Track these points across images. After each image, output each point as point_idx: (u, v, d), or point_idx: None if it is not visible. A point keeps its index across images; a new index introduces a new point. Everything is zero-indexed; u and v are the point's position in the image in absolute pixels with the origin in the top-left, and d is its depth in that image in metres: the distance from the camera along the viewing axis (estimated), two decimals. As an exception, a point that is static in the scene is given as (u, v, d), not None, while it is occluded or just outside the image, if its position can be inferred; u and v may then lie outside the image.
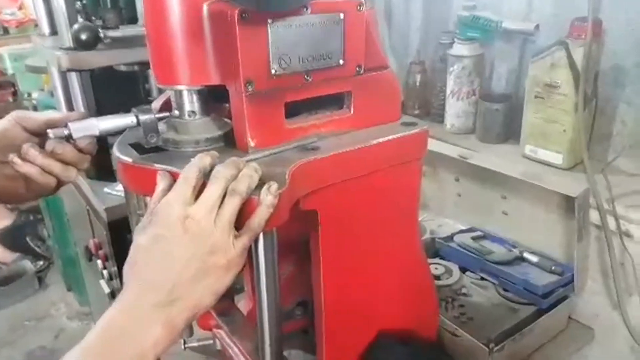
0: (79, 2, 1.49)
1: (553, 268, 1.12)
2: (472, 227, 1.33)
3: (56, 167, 0.67)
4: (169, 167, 0.59)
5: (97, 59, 1.31)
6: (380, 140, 0.70)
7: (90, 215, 1.51)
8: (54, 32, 1.49)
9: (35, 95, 2.60)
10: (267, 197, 0.54)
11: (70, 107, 1.61)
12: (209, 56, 0.62)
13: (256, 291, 0.61)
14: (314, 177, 0.64)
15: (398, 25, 1.64)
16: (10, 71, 2.83)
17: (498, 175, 1.22)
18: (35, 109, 2.67)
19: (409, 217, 0.81)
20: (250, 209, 0.55)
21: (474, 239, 1.27)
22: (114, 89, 1.57)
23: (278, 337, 0.63)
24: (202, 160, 0.55)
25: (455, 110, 1.41)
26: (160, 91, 1.55)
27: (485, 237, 1.29)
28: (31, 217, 3.10)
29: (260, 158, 0.63)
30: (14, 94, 3.35)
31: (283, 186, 0.56)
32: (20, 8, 3.60)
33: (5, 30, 3.88)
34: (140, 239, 0.53)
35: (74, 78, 1.44)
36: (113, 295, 1.49)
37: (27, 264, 2.94)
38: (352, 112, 0.72)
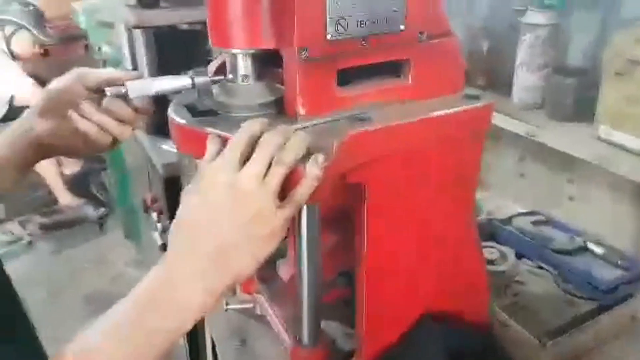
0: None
1: (619, 262, 1.05)
2: (533, 211, 1.26)
3: (111, 124, 0.69)
4: (219, 132, 0.60)
5: (161, 17, 1.33)
6: (439, 113, 0.67)
7: (149, 169, 1.57)
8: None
9: (104, 49, 2.70)
10: (313, 170, 0.53)
11: (134, 63, 1.67)
12: (265, 19, 0.61)
13: (296, 264, 0.61)
14: (363, 149, 0.62)
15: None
16: (83, 25, 2.95)
17: (566, 157, 1.14)
18: (104, 63, 2.79)
19: (465, 196, 0.78)
20: (296, 179, 0.54)
21: (534, 223, 1.20)
22: (176, 48, 1.59)
23: (316, 309, 0.64)
24: (252, 126, 0.55)
25: (525, 83, 1.32)
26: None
27: (546, 222, 1.22)
28: (97, 165, 3.30)
29: (309, 127, 0.62)
30: (86, 47, 3.51)
31: (330, 159, 0.55)
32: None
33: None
34: (186, 202, 0.54)
35: (138, 35, 1.48)
36: (165, 247, 1.54)
37: (90, 210, 3.15)
38: (410, 81, 0.69)
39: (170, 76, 0.66)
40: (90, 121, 0.69)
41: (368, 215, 0.68)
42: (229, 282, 0.53)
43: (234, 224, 0.52)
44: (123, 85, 0.64)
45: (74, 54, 3.77)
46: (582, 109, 1.21)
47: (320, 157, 0.53)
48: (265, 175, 0.52)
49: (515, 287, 1.09)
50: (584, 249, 1.12)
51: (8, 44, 2.98)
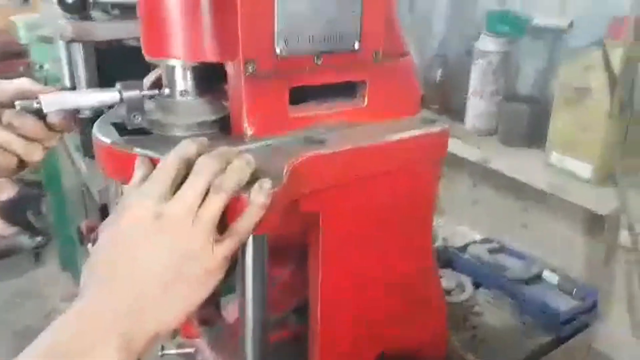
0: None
1: (575, 291, 1.03)
2: (488, 238, 1.25)
3: (16, 143, 0.58)
4: (150, 153, 0.52)
5: (103, 30, 1.24)
6: (396, 137, 0.63)
7: (85, 195, 1.45)
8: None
9: (46, 66, 2.55)
10: (258, 197, 0.46)
11: (73, 81, 1.55)
12: (207, 28, 0.55)
13: (239, 304, 0.54)
14: (317, 174, 0.57)
15: (420, 13, 1.55)
16: (23, 41, 2.77)
17: (520, 184, 1.13)
18: (45, 81, 2.63)
19: (422, 224, 0.74)
20: (238, 209, 0.47)
21: (490, 251, 1.19)
22: (122, 65, 1.50)
23: (263, 356, 0.56)
24: (187, 147, 0.48)
25: (478, 109, 1.32)
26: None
27: (502, 249, 1.20)
28: (34, 191, 3.07)
29: (256, 148, 0.55)
30: (28, 64, 3.31)
31: (279, 184, 0.49)
32: (40, -21, 3.55)
33: (26, 0, 3.84)
34: (104, 236, 0.46)
35: (77, 50, 1.37)
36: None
37: (25, 239, 2.90)
38: (365, 103, 0.65)
39: (94, 89, 0.57)
40: None
41: (323, 245, 0.62)
42: (151, 337, 0.44)
43: (159, 265, 0.44)
44: (36, 98, 0.55)
45: (14, 72, 3.55)
46: (534, 135, 1.22)
47: (267, 183, 0.47)
48: (200, 205, 0.45)
49: (473, 320, 1.05)
50: (539, 278, 1.11)
51: None
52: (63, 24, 1.22)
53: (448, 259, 1.22)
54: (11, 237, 2.90)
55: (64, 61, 1.58)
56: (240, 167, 0.47)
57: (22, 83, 0.60)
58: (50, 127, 0.58)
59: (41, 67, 2.67)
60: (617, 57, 0.96)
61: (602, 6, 1.06)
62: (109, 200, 0.67)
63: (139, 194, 0.46)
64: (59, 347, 0.40)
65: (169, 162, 0.47)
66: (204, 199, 0.45)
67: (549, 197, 1.05)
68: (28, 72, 3.19)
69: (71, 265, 2.51)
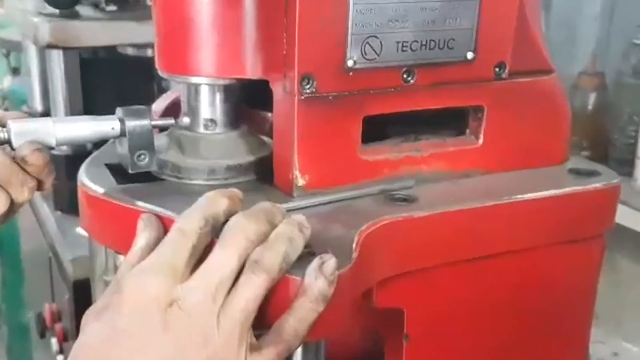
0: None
1: None
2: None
3: None
4: (158, 209, 0.56)
5: (90, 32, 1.34)
6: (532, 195, 0.64)
7: (52, 266, 1.52)
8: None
9: (6, 82, 2.76)
10: (317, 282, 0.48)
11: (46, 102, 1.67)
12: (248, 33, 0.59)
13: None
14: (403, 249, 0.58)
15: (561, 13, 1.58)
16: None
17: None
18: (3, 100, 2.84)
19: (571, 335, 0.74)
20: (284, 298, 0.49)
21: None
22: (114, 83, 1.60)
23: None
24: (213, 202, 0.51)
25: (656, 157, 1.30)
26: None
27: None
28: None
29: (311, 207, 0.58)
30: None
31: (348, 263, 0.50)
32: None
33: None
34: (88, 334, 0.48)
35: (56, 59, 1.48)
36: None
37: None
38: (480, 141, 0.67)
39: (85, 116, 0.62)
40: None
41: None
42: None
43: None
44: (4, 127, 0.60)
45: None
46: None
47: (331, 261, 0.48)
48: (230, 290, 0.47)
49: None
50: None
51: None
52: (38, 22, 1.33)
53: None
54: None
55: (35, 74, 1.72)
56: (289, 234, 0.49)
57: None
58: (22, 167, 0.62)
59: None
60: None
61: None
62: (93, 276, 0.70)
63: (146, 269, 0.48)
64: None
65: (189, 224, 0.49)
66: (235, 281, 0.47)
67: None
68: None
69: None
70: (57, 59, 1.47)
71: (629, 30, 1.40)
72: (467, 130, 0.67)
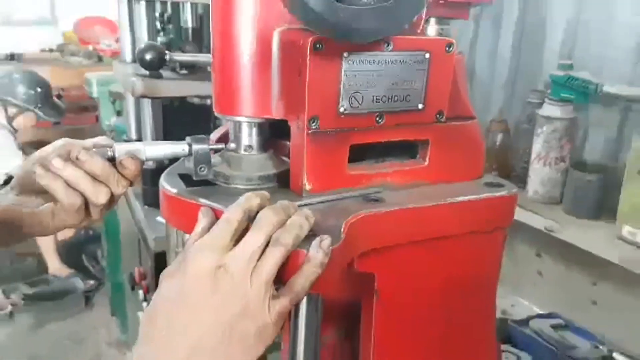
0: (161, 33, 1.55)
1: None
2: (552, 313, 1.17)
3: (82, 181, 0.58)
4: (213, 204, 0.54)
5: (169, 87, 1.33)
6: (460, 199, 0.62)
7: (140, 242, 1.50)
8: (135, 59, 1.56)
9: (113, 119, 2.76)
10: (318, 254, 0.47)
11: (139, 133, 1.66)
12: (274, 87, 0.58)
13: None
14: (375, 233, 0.57)
15: (480, 80, 1.57)
16: (95, 95, 3.03)
17: (588, 257, 1.07)
18: (112, 132, 2.83)
19: (485, 296, 0.71)
20: (295, 264, 0.48)
21: (554, 327, 1.11)
22: (185, 121, 1.60)
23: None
24: (249, 200, 0.50)
25: (541, 176, 1.28)
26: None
27: (567, 327, 1.12)
28: (91, 233, 3.20)
29: (314, 204, 0.56)
30: (97, 117, 3.61)
31: (337, 241, 0.49)
32: (117, 41, 3.92)
33: (100, 59, 4.24)
34: (164, 290, 0.47)
35: (146, 105, 1.48)
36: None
37: (78, 282, 3.00)
38: (426, 162, 0.65)
39: (165, 141, 0.61)
40: (58, 178, 0.57)
41: (376, 312, 0.61)
42: None
43: (217, 319, 0.44)
44: (111, 147, 0.59)
45: (85, 123, 3.86)
46: (603, 206, 1.16)
47: (327, 240, 0.47)
48: (259, 258, 0.46)
49: (535, 403, 0.97)
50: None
51: (9, 122, 2.93)
52: (134, 80, 1.32)
53: (507, 333, 1.15)
54: (65, 279, 3.02)
55: (132, 115, 1.71)
56: (300, 222, 0.48)
57: (99, 139, 0.65)
58: (118, 171, 0.61)
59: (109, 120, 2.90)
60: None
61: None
62: (169, 248, 0.69)
63: (202, 245, 0.47)
64: None
65: (232, 215, 0.48)
66: (262, 253, 0.46)
67: (622, 272, 0.98)
68: (98, 124, 3.47)
69: (120, 311, 2.57)
70: (147, 105, 1.47)
71: (526, 92, 1.39)
72: (418, 155, 0.65)
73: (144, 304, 1.46)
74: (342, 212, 0.55)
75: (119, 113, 2.82)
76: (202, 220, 0.52)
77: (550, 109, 1.24)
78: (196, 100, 1.58)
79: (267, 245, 0.47)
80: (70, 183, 0.59)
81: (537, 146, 1.28)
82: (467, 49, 1.54)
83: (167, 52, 0.96)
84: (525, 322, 1.15)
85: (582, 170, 1.20)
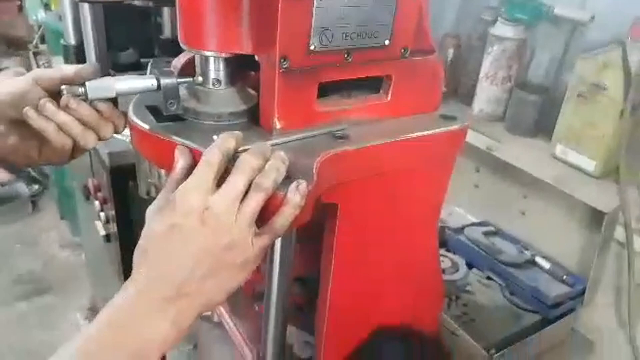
0: None
1: (564, 277, 1.10)
2: (484, 221, 1.30)
3: (74, 126, 0.62)
4: (189, 143, 0.56)
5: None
6: (418, 134, 0.66)
7: (91, 155, 1.47)
8: (69, -46, 1.40)
9: (40, 14, 2.50)
10: (295, 197, 0.50)
11: (79, 37, 1.54)
12: (244, 22, 0.57)
13: (266, 290, 0.58)
14: (341, 170, 0.60)
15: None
16: (18, -14, 2.71)
17: (522, 173, 1.18)
18: (39, 28, 2.58)
19: (432, 214, 0.79)
20: (274, 204, 0.51)
21: (485, 234, 1.24)
22: (124, 22, 1.49)
23: (283, 332, 0.61)
24: (226, 143, 0.51)
25: (487, 94, 1.34)
26: (174, 26, 1.49)
27: (497, 233, 1.26)
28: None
29: (286, 143, 0.59)
30: (20, 7, 3.25)
31: (311, 182, 0.53)
32: None
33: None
34: (154, 225, 0.49)
35: (86, 9, 1.36)
36: (108, 238, 1.47)
37: (22, 187, 2.94)
38: (389, 98, 0.67)
39: (133, 76, 0.60)
40: (49, 121, 0.61)
41: (338, 234, 0.67)
42: (196, 312, 0.49)
43: (206, 253, 0.48)
44: (82, 85, 0.58)
45: (5, 14, 3.47)
46: (542, 125, 1.25)
47: (303, 184, 0.50)
48: (242, 200, 0.49)
49: (464, 297, 1.12)
50: (532, 263, 1.18)
51: None
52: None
53: (444, 239, 1.28)
54: (8, 184, 2.93)
55: (69, 18, 1.57)
56: (277, 166, 0.50)
57: (65, 69, 0.63)
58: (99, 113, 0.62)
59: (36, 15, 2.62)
60: (635, 57, 0.99)
61: (625, 4, 1.07)
62: (140, 178, 0.70)
63: (187, 188, 0.49)
64: (118, 320, 0.46)
65: (212, 158, 0.50)
66: (244, 196, 0.49)
67: (550, 187, 1.09)
68: (21, 16, 3.14)
69: (70, 215, 2.56)
70: (87, 8, 1.35)
71: (480, 8, 1.39)
72: (381, 91, 0.67)
73: (102, 214, 1.47)
74: (312, 150, 0.58)
75: (47, 6, 2.55)
76: (181, 160, 0.53)
77: (503, 29, 1.26)
78: (137, 3, 1.47)
79: (248, 188, 0.49)
80: (62, 127, 0.62)
81: (487, 65, 1.31)
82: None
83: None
84: (460, 230, 1.27)
85: (525, 90, 1.27)
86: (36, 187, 2.99)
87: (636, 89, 0.99)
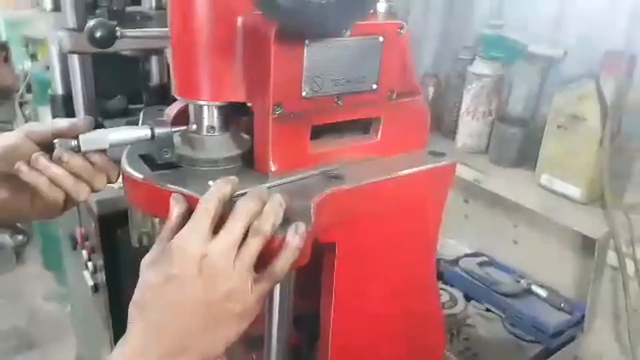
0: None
1: (562, 305, 1.10)
2: (477, 252, 1.31)
3: (66, 179, 0.61)
4: (184, 190, 0.56)
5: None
6: (409, 171, 0.67)
7: (79, 203, 1.45)
8: (56, 7, 1.42)
9: (26, 65, 2.52)
10: (294, 239, 0.50)
11: (67, 87, 1.55)
12: (237, 72, 0.58)
13: (266, 335, 0.58)
14: (337, 209, 0.61)
15: (413, 34, 1.60)
16: (3, 37, 2.73)
17: (510, 203, 1.20)
18: (25, 77, 2.59)
19: (429, 248, 0.79)
20: (273, 248, 0.51)
21: (480, 265, 1.25)
22: (113, 70, 1.51)
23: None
24: (222, 189, 0.51)
25: (469, 129, 1.38)
26: (162, 74, 1.51)
27: (491, 264, 1.27)
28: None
29: (282, 185, 0.59)
30: (5, 59, 3.27)
31: (309, 223, 0.53)
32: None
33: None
34: (149, 276, 0.49)
35: (75, 60, 1.37)
36: (96, 288, 1.44)
37: (6, 238, 2.87)
38: (378, 138, 0.69)
39: (127, 127, 0.61)
40: (42, 175, 0.61)
41: (337, 273, 0.66)
42: None
43: (204, 304, 0.47)
44: (75, 138, 0.58)
45: (-9, 65, 3.48)
46: (525, 156, 1.28)
47: (302, 226, 0.51)
48: (240, 245, 0.49)
49: (465, 331, 1.11)
50: (529, 292, 1.18)
51: None
52: (62, 35, 1.22)
53: (439, 271, 1.28)
54: (-8, 235, 2.87)
55: (57, 69, 1.58)
56: (275, 209, 0.51)
57: (58, 123, 0.63)
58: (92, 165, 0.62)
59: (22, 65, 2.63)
60: (609, 89, 1.03)
61: (594, 40, 1.13)
62: (133, 227, 0.69)
63: (183, 236, 0.49)
64: None
65: (209, 205, 0.50)
66: (243, 241, 0.49)
67: (539, 216, 1.11)
68: (8, 67, 3.16)
69: (55, 266, 2.50)
70: (75, 59, 1.36)
71: (457, 49, 1.45)
72: (371, 131, 0.69)
73: (89, 263, 1.44)
74: (308, 191, 0.58)
75: (33, 57, 2.57)
76: (176, 208, 0.53)
77: (481, 66, 1.31)
78: (127, 53, 1.49)
79: (246, 233, 0.49)
80: (54, 181, 0.61)
81: (467, 101, 1.36)
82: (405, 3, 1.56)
83: (117, 28, 0.89)
84: (455, 261, 1.28)
85: (506, 124, 1.31)
86: (20, 237, 2.93)
87: (612, 118, 1.03)
